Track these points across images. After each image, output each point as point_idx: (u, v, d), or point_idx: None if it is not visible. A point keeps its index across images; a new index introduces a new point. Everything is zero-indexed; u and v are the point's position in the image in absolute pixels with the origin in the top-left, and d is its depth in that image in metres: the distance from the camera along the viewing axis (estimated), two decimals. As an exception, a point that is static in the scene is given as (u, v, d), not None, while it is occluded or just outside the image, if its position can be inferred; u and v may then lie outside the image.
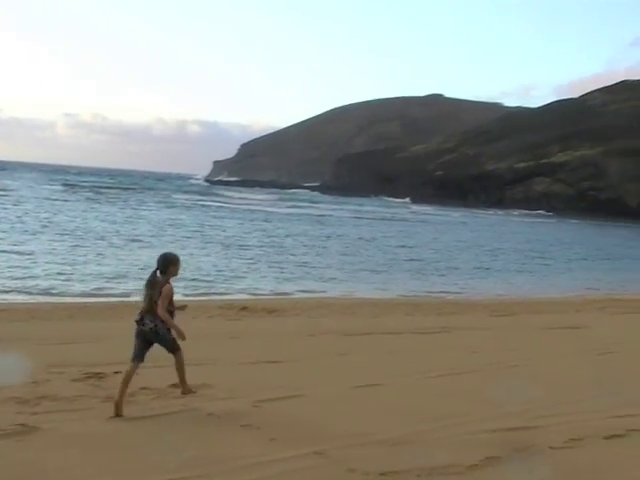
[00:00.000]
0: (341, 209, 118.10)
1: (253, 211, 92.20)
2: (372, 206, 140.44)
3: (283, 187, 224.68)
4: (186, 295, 25.99)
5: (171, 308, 10.22)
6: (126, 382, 10.12)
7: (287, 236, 57.76)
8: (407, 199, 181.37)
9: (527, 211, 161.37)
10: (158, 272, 10.31)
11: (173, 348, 10.22)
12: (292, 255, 43.22)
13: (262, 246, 47.49)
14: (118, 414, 9.94)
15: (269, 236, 56.23)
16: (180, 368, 10.35)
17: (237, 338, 16.77)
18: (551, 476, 8.83)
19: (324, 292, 29.53)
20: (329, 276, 34.79)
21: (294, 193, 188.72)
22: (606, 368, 15.64)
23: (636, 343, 19.43)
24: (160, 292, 10.10)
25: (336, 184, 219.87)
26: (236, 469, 8.28)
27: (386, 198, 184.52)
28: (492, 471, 8.73)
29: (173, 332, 10.14)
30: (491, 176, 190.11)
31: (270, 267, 36.23)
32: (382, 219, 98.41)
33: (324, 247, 50.81)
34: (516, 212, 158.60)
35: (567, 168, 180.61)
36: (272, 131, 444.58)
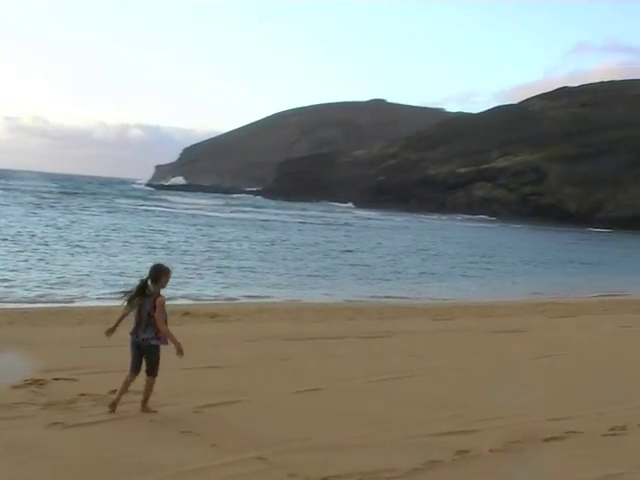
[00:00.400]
0: (285, 214, 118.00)
1: (196, 216, 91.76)
2: (316, 211, 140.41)
3: (226, 192, 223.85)
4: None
5: (164, 316, 10.58)
6: (126, 385, 10.59)
7: (231, 241, 57.59)
8: (350, 204, 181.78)
9: (470, 216, 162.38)
10: (149, 281, 10.58)
11: (152, 371, 10.56)
12: (236, 260, 43.08)
13: (206, 251, 47.26)
14: (112, 409, 10.43)
15: (213, 241, 56.00)
16: (148, 390, 10.61)
17: (179, 344, 16.65)
18: (492, 479, 8.91)
19: (268, 297, 29.48)
20: (273, 281, 34.76)
21: (237, 198, 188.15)
22: (545, 371, 15.82)
23: (574, 346, 19.67)
24: (154, 304, 10.44)
25: (278, 189, 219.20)
26: (177, 475, 8.25)
27: (330, 203, 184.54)
28: (433, 474, 8.80)
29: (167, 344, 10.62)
30: (433, 181, 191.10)
31: (214, 272, 36.07)
32: (326, 224, 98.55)
33: (268, 252, 50.73)
34: (459, 217, 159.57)
35: (508, 173, 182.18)
36: (214, 135, 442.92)
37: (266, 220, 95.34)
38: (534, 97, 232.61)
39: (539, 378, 14.89)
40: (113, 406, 10.46)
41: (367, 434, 10.16)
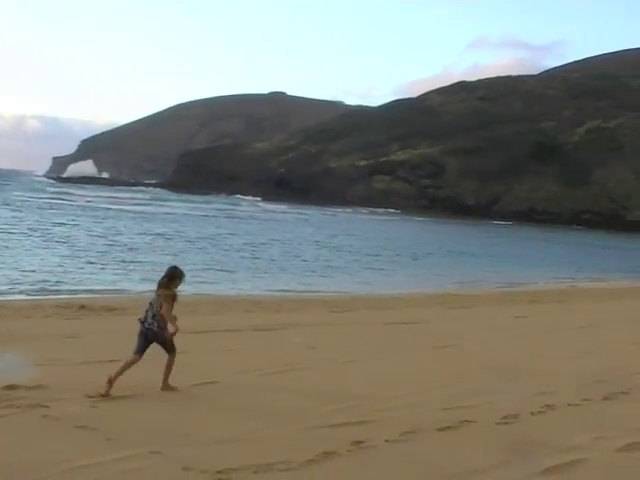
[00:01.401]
0: (188, 206, 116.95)
1: (97, 209, 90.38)
2: (220, 204, 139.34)
3: (125, 184, 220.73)
4: (28, 295, 25.38)
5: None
6: (124, 368, 11.42)
7: (133, 234, 56.88)
8: (251, 197, 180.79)
9: (374, 209, 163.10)
10: (166, 280, 11.97)
11: (169, 350, 11.92)
12: (138, 254, 42.57)
13: (107, 244, 46.60)
14: (106, 392, 11.13)
15: (114, 234, 55.22)
16: (168, 367, 11.81)
17: (74, 337, 16.44)
18: (387, 468, 9.01)
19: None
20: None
21: (138, 190, 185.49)
22: (441, 362, 16.06)
23: (470, 337, 19.99)
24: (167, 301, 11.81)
25: (178, 181, 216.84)
26: (70, 471, 8.17)
27: (233, 196, 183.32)
28: (329, 465, 8.87)
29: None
30: (333, 174, 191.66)
31: (114, 266, 35.59)
32: (228, 217, 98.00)
33: (169, 246, 50.31)
34: (365, 210, 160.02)
35: (407, 166, 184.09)
36: (113, 127, 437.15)
37: (168, 213, 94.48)
38: (432, 91, 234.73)
39: (434, 369, 15.10)
40: (110, 382, 11.16)
41: (262, 426, 10.19)
